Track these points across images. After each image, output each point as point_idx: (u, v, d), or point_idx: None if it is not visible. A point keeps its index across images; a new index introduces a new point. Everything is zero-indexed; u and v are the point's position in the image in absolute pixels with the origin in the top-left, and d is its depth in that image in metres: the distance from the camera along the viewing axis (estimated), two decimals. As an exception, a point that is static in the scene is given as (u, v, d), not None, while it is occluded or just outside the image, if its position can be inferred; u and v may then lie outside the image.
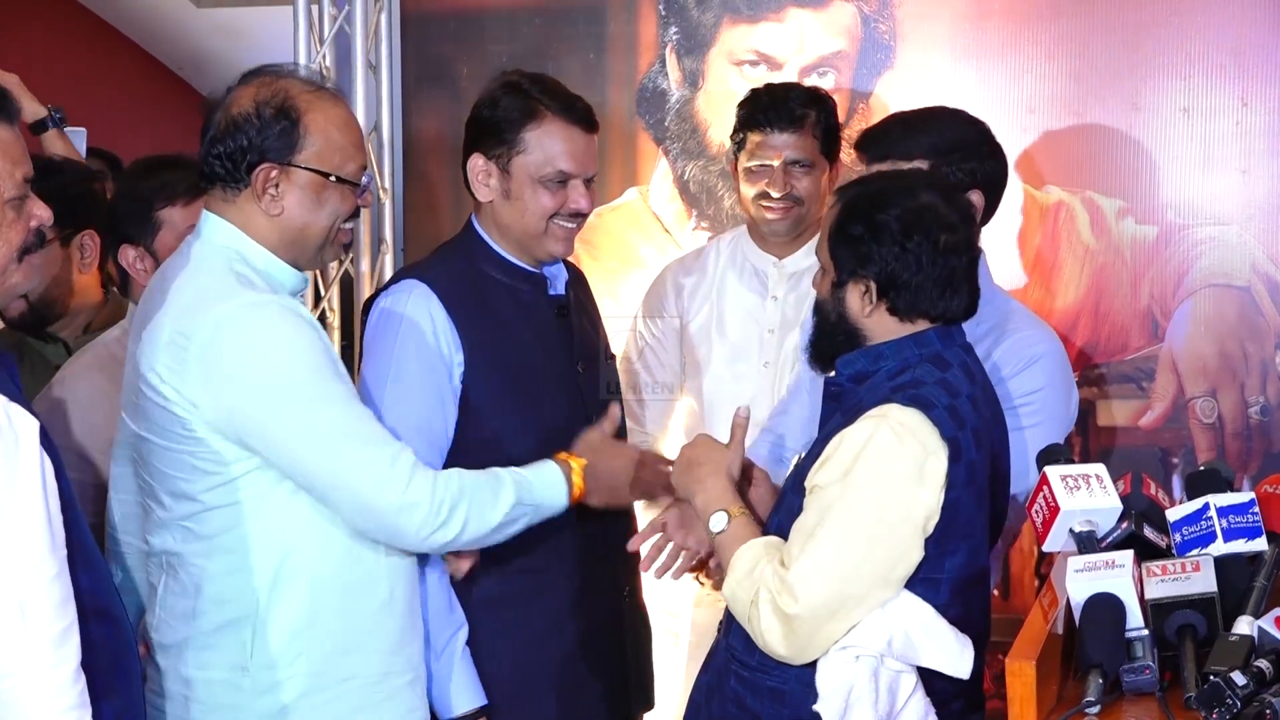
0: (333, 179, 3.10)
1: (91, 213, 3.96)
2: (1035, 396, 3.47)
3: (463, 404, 3.44)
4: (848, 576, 2.83)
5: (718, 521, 3.07)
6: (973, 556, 2.94)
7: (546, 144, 3.44)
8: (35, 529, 2.44)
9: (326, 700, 3.08)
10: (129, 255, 3.66)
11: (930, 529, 2.86)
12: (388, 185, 5.26)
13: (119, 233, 3.68)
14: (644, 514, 3.73)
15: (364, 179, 3.16)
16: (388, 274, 5.25)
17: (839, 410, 3.03)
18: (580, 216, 3.50)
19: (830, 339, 3.07)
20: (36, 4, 7.45)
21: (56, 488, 2.50)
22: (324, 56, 5.20)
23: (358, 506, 3.01)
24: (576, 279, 3.75)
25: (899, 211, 2.98)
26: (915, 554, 2.86)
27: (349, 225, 3.18)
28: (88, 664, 2.51)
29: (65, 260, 3.94)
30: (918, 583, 2.87)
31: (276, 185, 3.07)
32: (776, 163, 4.14)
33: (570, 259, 3.71)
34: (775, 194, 4.15)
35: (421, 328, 3.41)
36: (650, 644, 3.78)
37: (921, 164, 3.45)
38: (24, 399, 2.50)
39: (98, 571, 2.66)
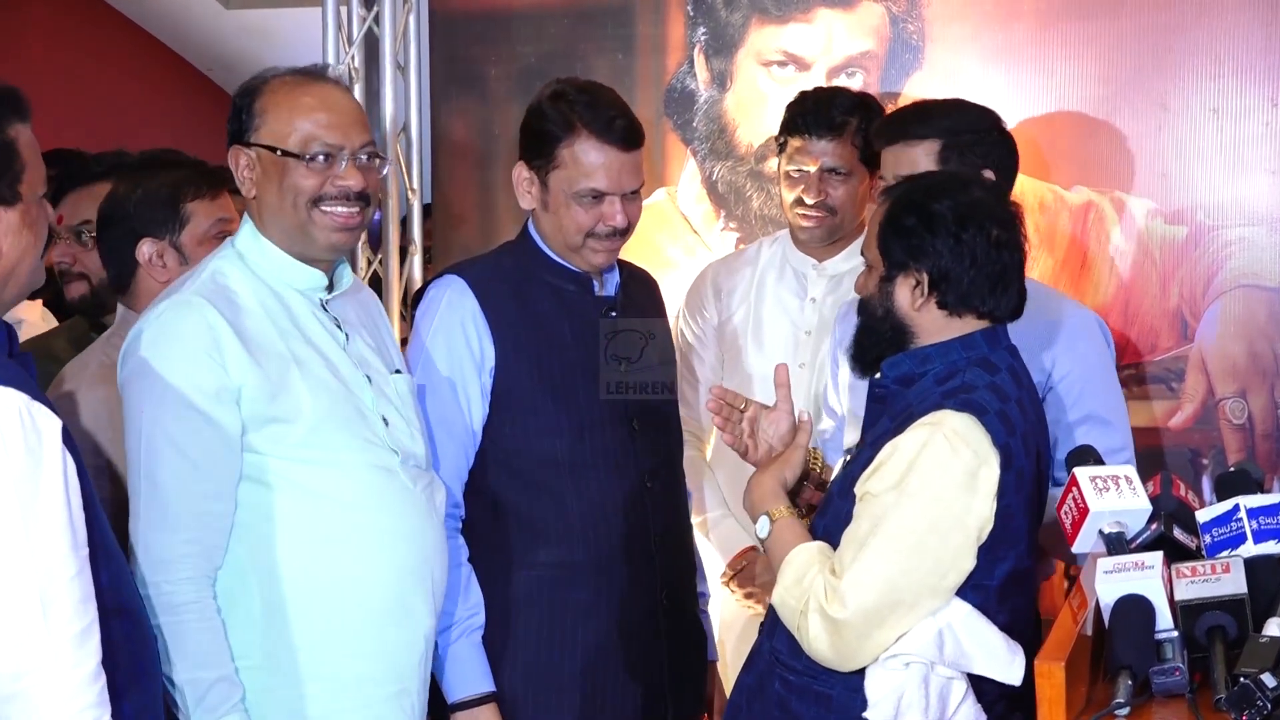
0: (278, 153, 3.11)
1: None
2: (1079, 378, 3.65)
3: (496, 399, 3.46)
4: (898, 585, 2.84)
5: (762, 526, 3.07)
6: (1019, 562, 2.96)
7: (580, 161, 3.44)
8: (57, 528, 2.46)
9: (289, 699, 3.08)
10: (145, 251, 3.60)
11: (983, 537, 2.87)
12: (415, 186, 5.28)
13: (134, 229, 3.61)
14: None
15: (317, 155, 3.11)
16: (416, 274, 5.28)
17: (886, 414, 3.03)
18: (619, 232, 3.49)
19: (876, 337, 3.06)
20: (65, 4, 7.48)
21: (79, 487, 2.52)
22: (353, 58, 5.22)
23: (134, 541, 3.03)
24: (639, 282, 3.75)
25: (952, 203, 2.99)
26: (967, 563, 2.87)
27: (331, 208, 3.14)
28: (108, 662, 2.52)
29: None
30: (968, 590, 2.89)
31: (249, 169, 3.14)
32: (813, 169, 4.15)
33: (640, 265, 3.77)
34: (809, 200, 4.16)
35: (453, 323, 3.46)
36: (701, 651, 3.75)
37: (933, 144, 3.56)
38: (46, 398, 2.53)
39: (118, 568, 2.67)
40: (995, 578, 2.92)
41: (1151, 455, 4.48)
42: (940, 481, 2.85)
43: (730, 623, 4.29)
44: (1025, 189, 4.61)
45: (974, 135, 3.66)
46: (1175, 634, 2.66)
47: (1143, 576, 2.69)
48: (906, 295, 3.01)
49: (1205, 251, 4.55)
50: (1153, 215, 4.60)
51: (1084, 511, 2.84)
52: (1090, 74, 4.64)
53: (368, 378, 3.20)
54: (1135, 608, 2.66)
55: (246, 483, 3.06)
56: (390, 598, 3.14)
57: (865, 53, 4.84)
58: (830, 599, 2.86)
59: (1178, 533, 2.87)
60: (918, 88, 4.77)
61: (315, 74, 3.22)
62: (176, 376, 3.01)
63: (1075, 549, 2.88)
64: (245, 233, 3.19)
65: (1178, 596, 2.69)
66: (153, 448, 3.01)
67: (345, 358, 3.18)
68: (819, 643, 2.88)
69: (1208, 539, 2.84)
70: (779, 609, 2.98)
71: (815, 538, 3.04)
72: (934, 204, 2.99)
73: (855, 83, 4.78)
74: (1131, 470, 2.92)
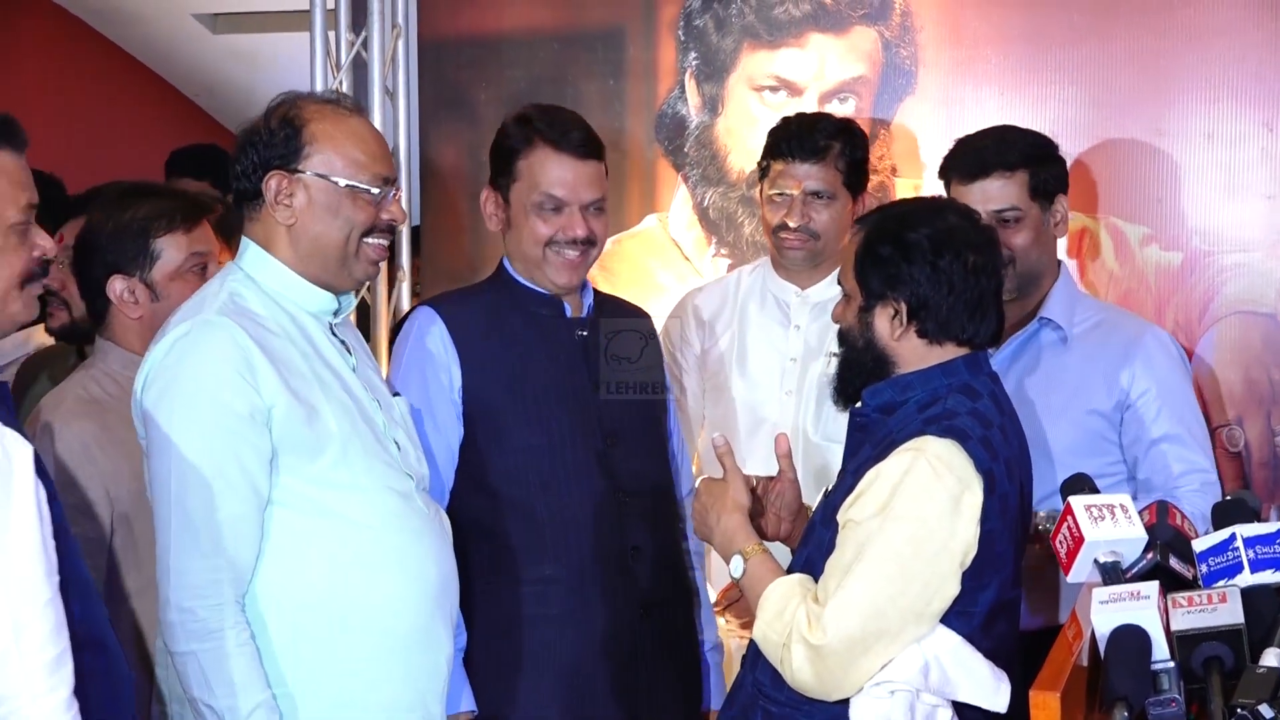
0: (341, 184, 3.14)
1: None
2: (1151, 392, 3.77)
3: (467, 420, 3.57)
4: (883, 611, 2.84)
5: (735, 566, 3.08)
6: (1002, 589, 2.96)
7: (536, 171, 3.57)
8: (29, 555, 2.45)
9: None
10: (117, 288, 3.57)
11: (968, 562, 2.88)
12: (404, 212, 5.25)
13: (105, 264, 3.58)
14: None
15: (376, 188, 3.17)
16: (404, 301, 5.27)
17: (867, 442, 3.03)
18: (582, 244, 3.58)
19: (857, 368, 3.07)
20: (50, 29, 7.48)
21: (49, 514, 2.51)
22: (341, 83, 5.21)
23: (163, 568, 3.03)
24: (615, 304, 3.84)
25: (929, 231, 3.01)
26: (952, 589, 2.88)
27: (376, 240, 3.20)
28: (81, 693, 2.51)
29: None
30: (951, 616, 2.89)
31: (290, 195, 3.14)
32: (796, 192, 4.15)
33: (636, 303, 3.91)
34: (792, 224, 4.16)
35: (422, 350, 3.58)
36: (690, 671, 3.76)
37: (1023, 174, 3.75)
38: (19, 424, 2.52)
39: (91, 601, 2.66)
40: (980, 604, 2.92)
41: (1147, 484, 4.48)
42: (924, 507, 2.86)
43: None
44: (1019, 215, 4.62)
45: (1053, 162, 3.86)
46: (1172, 664, 2.64)
47: (1138, 606, 2.68)
48: (885, 325, 3.03)
49: (1201, 278, 4.56)
50: (1147, 241, 4.60)
51: (1079, 541, 2.82)
52: (1084, 99, 4.65)
53: (378, 401, 3.23)
54: (1131, 638, 2.65)
55: (275, 507, 3.07)
56: (416, 623, 3.17)
57: (858, 78, 4.84)
58: (812, 627, 2.86)
59: (1174, 562, 2.85)
60: (911, 113, 4.78)
61: (346, 104, 3.27)
62: (207, 397, 3.02)
63: (1070, 578, 2.87)
64: (251, 255, 3.19)
65: (1174, 626, 2.68)
66: (183, 471, 3.01)
67: (357, 381, 3.22)
68: (803, 673, 2.88)
69: (1204, 568, 2.82)
70: (761, 644, 2.98)
71: (797, 568, 3.05)
72: (909, 232, 3.01)
73: (848, 108, 4.79)
74: (1127, 499, 2.91)
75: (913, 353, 3.02)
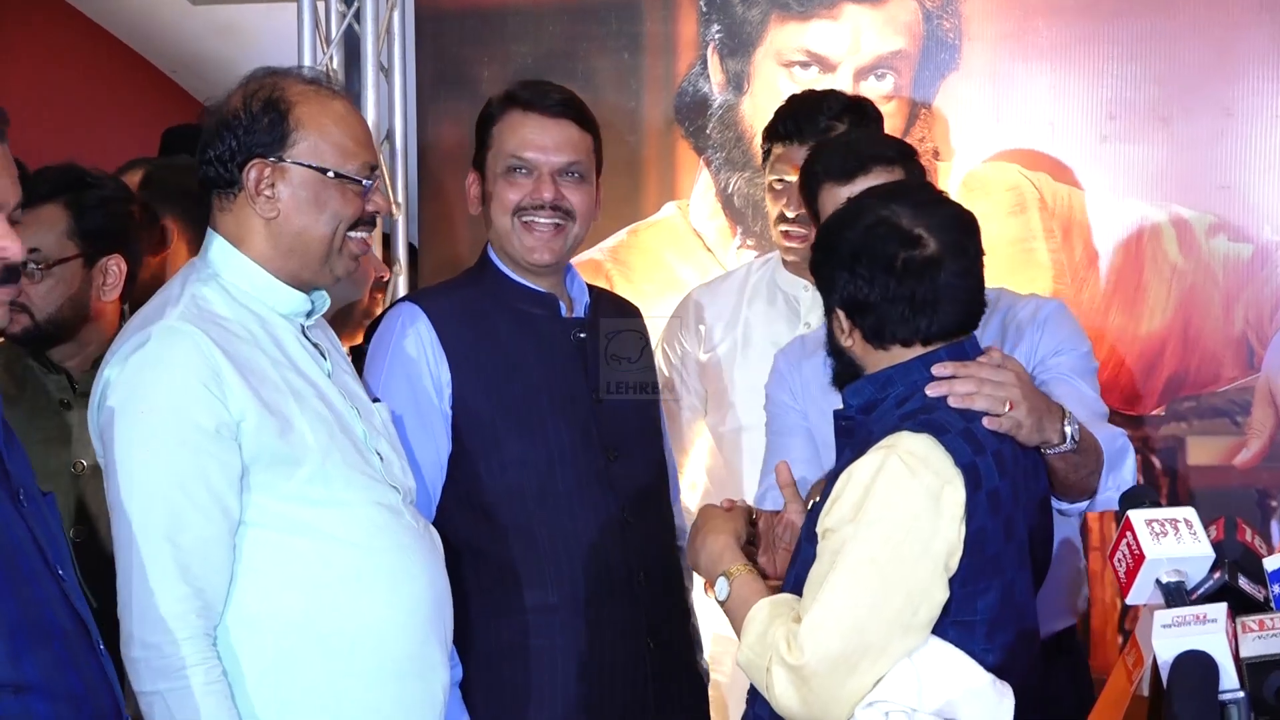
0: (330, 175, 3.13)
1: (122, 236, 3.97)
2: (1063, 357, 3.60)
3: (457, 431, 3.54)
4: (864, 625, 2.82)
5: (720, 589, 3.08)
6: (1007, 594, 2.95)
7: (505, 135, 3.60)
8: None
9: None
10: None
11: (954, 565, 2.86)
12: (401, 198, 5.28)
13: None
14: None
15: (365, 178, 3.16)
16: (401, 292, 5.27)
17: (850, 445, 3.04)
18: (551, 211, 3.55)
19: (839, 376, 3.12)
20: (20, 3, 7.51)
21: None
22: (331, 58, 5.25)
23: (124, 600, 2.98)
24: (611, 303, 3.83)
25: (850, 233, 3.04)
26: (939, 594, 2.85)
27: (359, 234, 3.20)
28: None
29: (86, 282, 3.91)
30: (949, 627, 2.88)
31: (272, 185, 3.13)
32: (794, 178, 4.05)
33: (643, 298, 3.89)
34: (790, 215, 4.08)
35: (408, 351, 3.55)
36: (698, 701, 3.77)
37: (900, 169, 3.55)
38: None
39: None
40: (980, 612, 2.91)
41: (1215, 496, 4.51)
42: (900, 506, 2.85)
43: (730, 685, 4.26)
44: (1073, 203, 4.67)
45: (912, 160, 3.64)
46: (1241, 694, 2.61)
47: (1204, 631, 2.65)
48: (837, 330, 3.07)
49: (1273, 271, 4.57)
50: (1214, 231, 4.61)
51: (1139, 559, 2.79)
52: (1145, 75, 4.65)
53: (356, 410, 3.22)
54: (1197, 665, 2.62)
55: (252, 528, 3.04)
56: (408, 647, 3.15)
57: (896, 52, 4.84)
58: (790, 646, 2.84)
59: (1243, 582, 2.83)
60: (954, 90, 4.79)
61: (326, 83, 3.27)
62: (170, 412, 2.99)
63: (1130, 600, 2.84)
64: (217, 251, 3.16)
65: (1243, 653, 2.66)
66: (146, 493, 2.98)
67: (333, 388, 3.20)
68: (786, 698, 2.86)
69: (1276, 589, 2.81)
70: (746, 670, 2.96)
71: (788, 589, 3.04)
72: (834, 237, 3.07)
73: (885, 85, 4.80)
74: (1192, 513, 2.89)
75: (868, 356, 3.06)
